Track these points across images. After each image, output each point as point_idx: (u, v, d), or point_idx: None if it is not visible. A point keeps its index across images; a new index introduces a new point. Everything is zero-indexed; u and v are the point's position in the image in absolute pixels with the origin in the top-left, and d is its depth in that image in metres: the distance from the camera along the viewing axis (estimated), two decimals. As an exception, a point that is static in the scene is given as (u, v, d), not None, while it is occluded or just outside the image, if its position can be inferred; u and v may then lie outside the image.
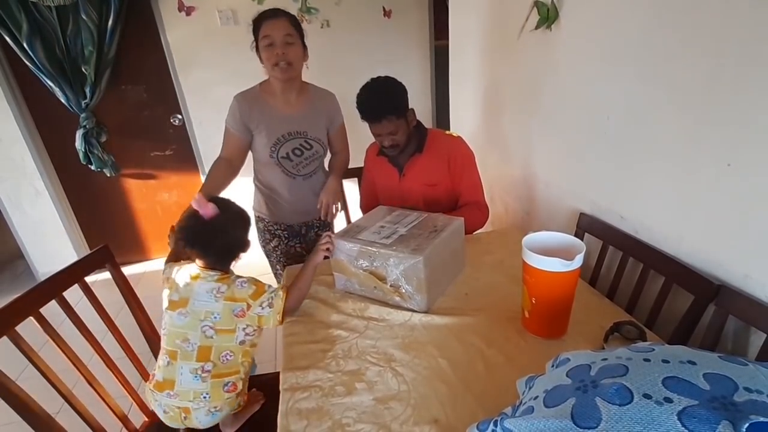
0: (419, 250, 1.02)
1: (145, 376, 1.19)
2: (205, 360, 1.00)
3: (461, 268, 1.25)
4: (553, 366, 0.65)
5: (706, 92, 0.92)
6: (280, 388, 0.87)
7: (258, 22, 1.40)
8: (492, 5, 1.79)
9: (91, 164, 2.70)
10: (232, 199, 1.13)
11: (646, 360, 0.52)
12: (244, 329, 1.03)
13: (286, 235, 1.65)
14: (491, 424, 0.60)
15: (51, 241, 2.83)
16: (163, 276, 1.09)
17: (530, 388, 0.63)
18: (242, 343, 1.04)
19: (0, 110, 2.47)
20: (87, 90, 2.51)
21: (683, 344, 0.60)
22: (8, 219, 2.75)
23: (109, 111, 2.68)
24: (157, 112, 2.78)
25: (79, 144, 2.61)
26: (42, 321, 0.97)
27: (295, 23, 1.41)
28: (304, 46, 1.44)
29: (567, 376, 0.56)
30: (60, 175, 2.79)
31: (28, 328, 0.92)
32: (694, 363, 0.49)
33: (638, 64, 1.09)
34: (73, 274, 1.08)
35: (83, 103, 2.54)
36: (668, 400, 0.44)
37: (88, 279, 1.11)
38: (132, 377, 1.17)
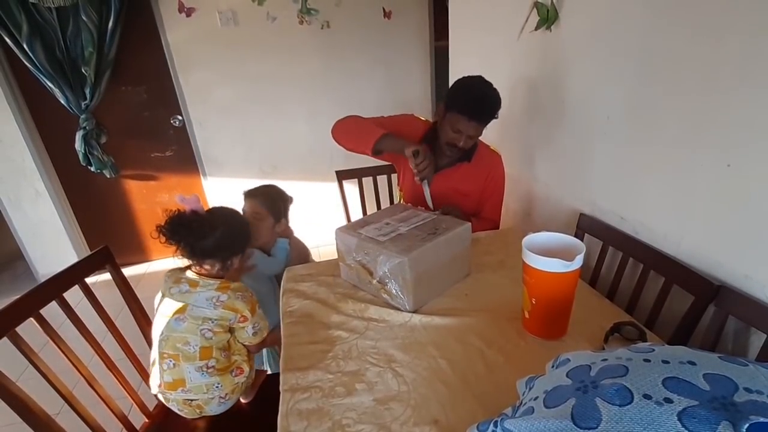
0: (407, 250, 1.02)
1: (145, 376, 1.19)
2: (207, 358, 1.05)
3: (464, 274, 1.23)
4: (553, 366, 0.65)
5: (706, 92, 0.92)
6: (281, 388, 0.87)
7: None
8: (492, 6, 1.79)
9: (91, 165, 2.70)
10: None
11: (646, 360, 0.52)
12: (255, 326, 1.11)
13: None
14: (491, 424, 0.60)
15: (51, 242, 2.83)
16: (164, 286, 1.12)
17: (530, 388, 0.63)
18: (255, 334, 1.12)
19: (0, 111, 2.47)
20: (87, 91, 2.51)
21: (683, 345, 0.60)
22: (8, 220, 2.75)
23: (109, 112, 2.68)
24: (157, 113, 2.78)
25: (78, 145, 2.61)
26: (42, 322, 0.97)
27: None
28: None
29: (567, 376, 0.56)
30: (60, 176, 2.79)
31: (28, 329, 0.92)
32: (694, 363, 0.49)
33: (638, 65, 1.09)
34: (74, 275, 1.09)
35: (83, 104, 2.54)
36: (668, 400, 0.44)
37: (89, 280, 1.11)
38: (132, 378, 1.17)
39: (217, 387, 1.06)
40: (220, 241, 1.07)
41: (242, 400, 1.18)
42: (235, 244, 1.13)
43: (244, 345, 1.13)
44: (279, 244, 1.50)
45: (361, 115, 1.48)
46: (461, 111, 1.27)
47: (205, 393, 1.06)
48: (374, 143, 1.32)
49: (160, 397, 1.11)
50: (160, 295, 1.11)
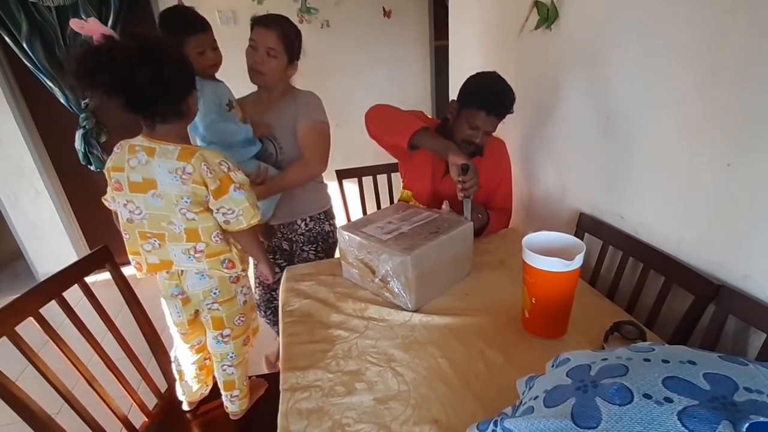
0: (409, 249, 1.02)
1: (144, 376, 1.19)
2: (195, 240, 0.93)
3: (465, 273, 1.23)
4: (553, 366, 0.65)
5: (706, 92, 0.92)
6: (280, 388, 0.87)
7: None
8: (492, 5, 1.79)
9: (91, 165, 2.70)
10: None
11: (646, 360, 0.52)
12: (219, 210, 0.94)
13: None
14: (491, 424, 0.60)
15: (51, 241, 2.83)
16: (109, 167, 0.95)
17: (530, 388, 0.63)
18: (227, 222, 0.95)
19: (0, 110, 2.47)
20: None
21: (683, 344, 0.60)
22: (8, 219, 2.75)
23: (108, 111, 2.67)
24: (156, 112, 2.78)
25: (78, 144, 2.61)
26: (42, 321, 0.97)
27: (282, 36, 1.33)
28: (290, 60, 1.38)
29: (567, 376, 0.56)
30: (60, 175, 2.79)
31: (28, 328, 0.92)
32: (694, 363, 0.49)
33: (638, 64, 1.09)
34: (73, 274, 1.08)
35: (83, 103, 2.54)
36: (668, 400, 0.44)
37: (88, 279, 1.11)
38: (132, 377, 1.17)
39: (203, 268, 0.95)
40: (160, 76, 0.83)
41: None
42: (181, 75, 0.89)
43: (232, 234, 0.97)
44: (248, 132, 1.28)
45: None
46: (480, 106, 1.25)
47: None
48: (413, 135, 1.20)
49: (139, 274, 0.98)
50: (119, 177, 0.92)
